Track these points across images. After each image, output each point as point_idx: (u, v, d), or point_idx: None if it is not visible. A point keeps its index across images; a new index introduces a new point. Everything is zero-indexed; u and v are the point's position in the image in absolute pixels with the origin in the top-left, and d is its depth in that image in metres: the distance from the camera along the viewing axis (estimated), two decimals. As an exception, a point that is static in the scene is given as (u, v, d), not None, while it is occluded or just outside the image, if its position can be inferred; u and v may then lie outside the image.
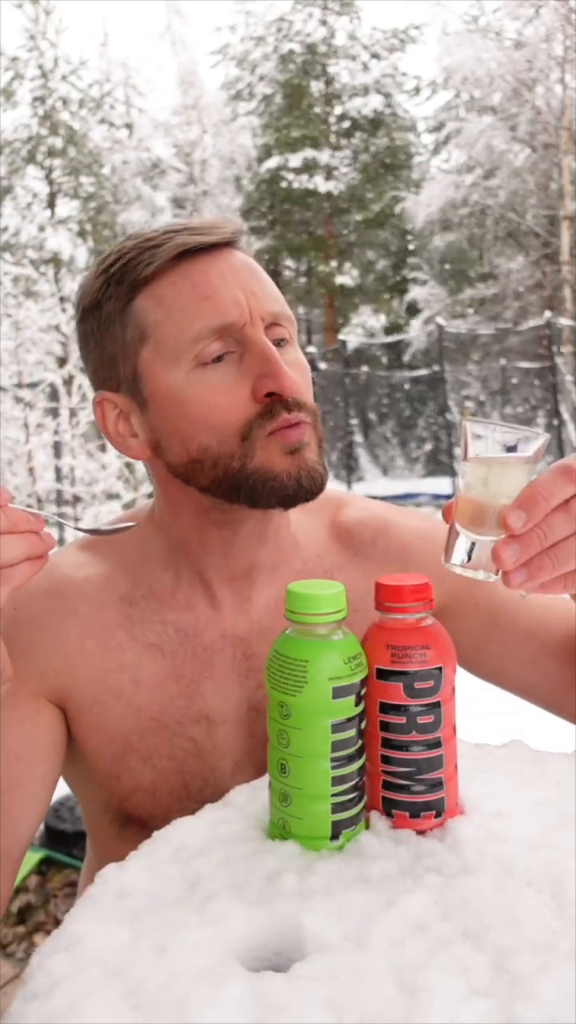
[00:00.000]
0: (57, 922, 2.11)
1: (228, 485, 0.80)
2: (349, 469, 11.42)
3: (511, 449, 0.62)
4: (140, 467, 5.29)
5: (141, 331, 0.80)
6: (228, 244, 0.82)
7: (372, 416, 12.52)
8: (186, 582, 0.89)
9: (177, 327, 0.79)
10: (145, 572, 0.89)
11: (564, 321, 13.17)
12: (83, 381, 5.12)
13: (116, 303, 0.81)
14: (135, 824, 0.87)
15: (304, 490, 0.80)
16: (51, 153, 18.58)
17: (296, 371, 0.81)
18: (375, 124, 21.70)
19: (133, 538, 0.91)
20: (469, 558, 0.64)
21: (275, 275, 22.36)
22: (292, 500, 0.80)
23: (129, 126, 20.11)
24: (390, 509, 0.99)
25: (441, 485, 10.47)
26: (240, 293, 0.79)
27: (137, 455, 0.86)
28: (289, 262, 21.90)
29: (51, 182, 18.85)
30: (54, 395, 5.15)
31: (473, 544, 0.64)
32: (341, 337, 14.11)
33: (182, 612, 0.88)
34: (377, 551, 0.93)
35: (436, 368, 11.66)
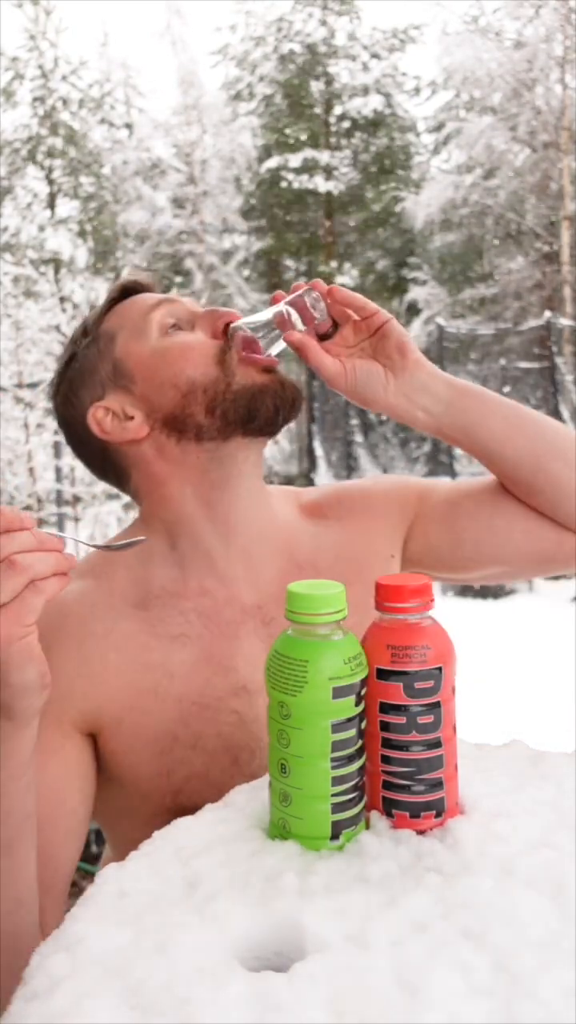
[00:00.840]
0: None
1: (221, 411, 0.90)
2: (349, 469, 11.41)
3: None
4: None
5: (110, 336, 0.96)
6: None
7: (372, 416, 12.51)
8: (194, 571, 0.93)
9: (132, 317, 0.95)
10: (153, 574, 0.92)
11: (564, 321, 13.16)
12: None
13: (85, 342, 0.97)
14: (186, 813, 0.87)
15: (285, 401, 0.91)
16: (51, 153, 18.57)
17: None
18: (375, 124, 21.67)
19: (133, 548, 0.92)
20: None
21: (275, 275, 22.29)
22: (274, 413, 0.91)
23: (129, 126, 20.11)
24: (334, 483, 1.12)
25: (441, 485, 10.47)
26: (174, 303, 0.97)
27: (137, 433, 0.93)
28: (289, 262, 21.89)
29: (51, 182, 18.84)
30: (54, 395, 5.15)
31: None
32: (341, 337, 14.05)
33: (198, 598, 0.92)
34: (344, 510, 1.04)
35: (436, 368, 11.64)
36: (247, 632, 0.93)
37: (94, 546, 0.80)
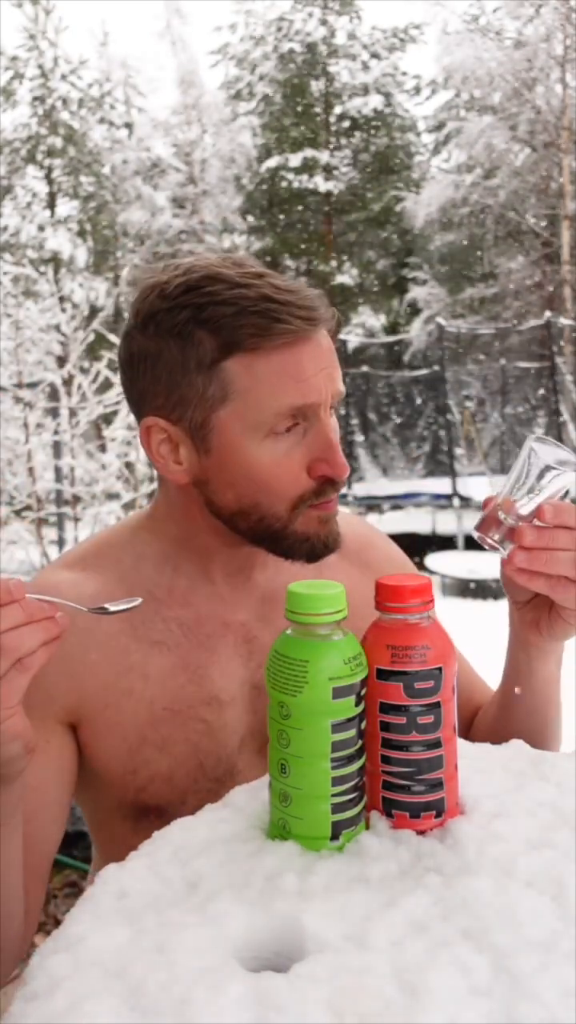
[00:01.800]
0: (57, 922, 2.11)
1: (264, 537, 0.88)
2: (349, 469, 11.40)
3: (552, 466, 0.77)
4: (140, 468, 5.29)
5: (225, 391, 0.83)
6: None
7: (372, 416, 12.50)
8: (185, 580, 0.93)
9: (262, 400, 0.82)
10: (141, 576, 0.92)
11: (564, 321, 13.16)
12: (83, 381, 5.12)
13: (202, 352, 0.83)
14: (152, 813, 0.90)
15: (330, 550, 0.89)
16: (51, 153, 18.57)
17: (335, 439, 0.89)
18: (375, 124, 21.67)
19: (125, 546, 0.95)
20: (498, 536, 0.78)
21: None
22: (317, 559, 0.90)
23: (129, 126, 20.10)
24: (365, 525, 1.12)
25: (441, 485, 10.45)
26: (323, 378, 0.84)
27: (175, 479, 0.89)
28: (289, 262, 21.88)
29: (51, 182, 18.85)
30: (54, 395, 5.14)
31: (505, 527, 0.78)
32: (341, 337, 14.05)
33: (180, 608, 0.92)
34: (362, 560, 1.03)
35: (436, 368, 11.65)
36: (226, 645, 0.93)
37: (90, 610, 0.76)
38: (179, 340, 0.83)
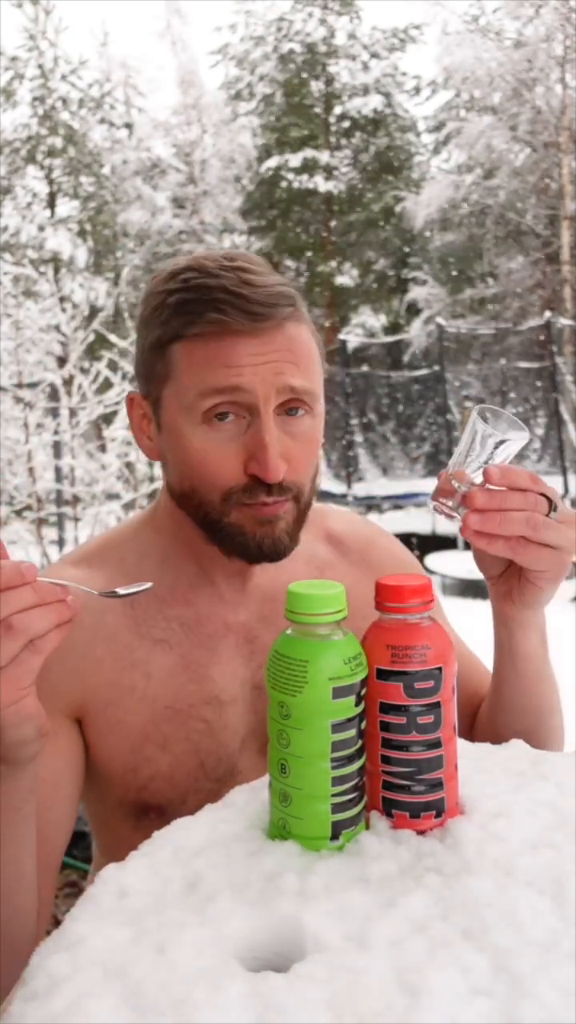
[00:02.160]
0: (57, 922, 2.11)
1: (206, 526, 0.88)
2: (349, 469, 11.41)
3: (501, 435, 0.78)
4: (140, 467, 5.29)
5: (168, 371, 0.87)
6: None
7: (372, 416, 12.50)
8: (186, 579, 0.94)
9: (191, 381, 0.84)
10: (144, 574, 0.92)
11: (564, 321, 13.17)
12: (83, 381, 5.12)
13: (161, 336, 0.87)
14: (153, 812, 0.91)
15: (265, 556, 0.87)
16: (51, 153, 18.57)
17: (297, 445, 0.86)
18: (375, 124, 21.67)
19: (129, 543, 0.96)
20: (452, 503, 0.79)
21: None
22: (254, 560, 0.88)
23: (129, 126, 20.11)
24: (367, 523, 1.12)
25: (441, 485, 10.44)
26: (261, 370, 0.83)
27: (149, 454, 0.94)
28: (289, 262, 21.88)
29: (51, 182, 18.85)
30: (54, 395, 5.14)
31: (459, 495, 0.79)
32: (341, 337, 14.09)
33: (182, 608, 0.93)
34: (364, 559, 1.03)
35: (436, 368, 11.65)
36: (227, 646, 0.94)
37: (101, 593, 0.77)
38: (152, 321, 0.88)
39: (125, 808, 0.92)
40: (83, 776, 0.91)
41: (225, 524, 0.86)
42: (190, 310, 0.84)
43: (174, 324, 0.85)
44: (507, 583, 0.86)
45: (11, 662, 0.65)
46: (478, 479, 0.78)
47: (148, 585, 0.78)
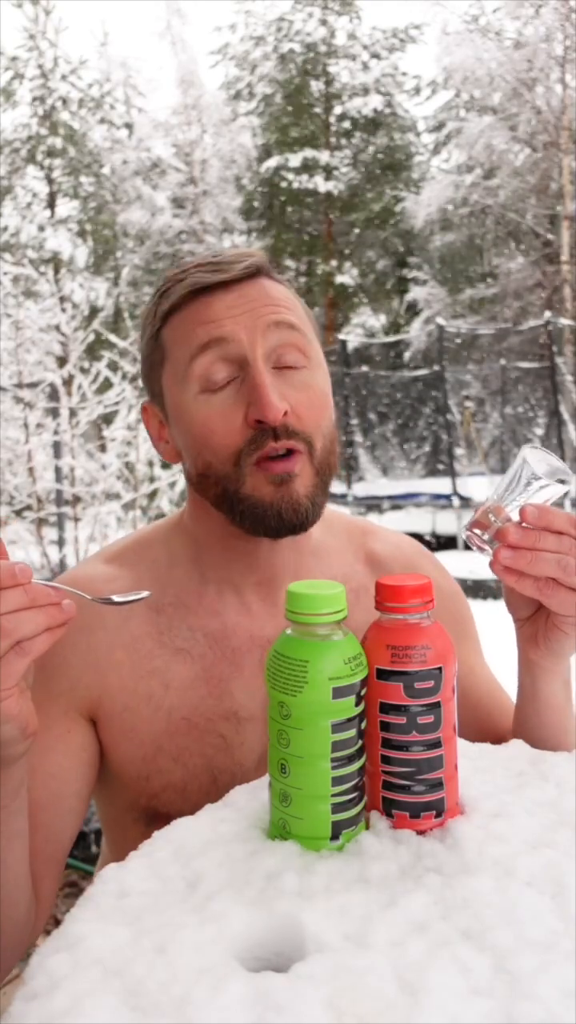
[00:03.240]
0: (57, 922, 2.11)
1: (227, 505, 0.86)
2: (349, 469, 11.41)
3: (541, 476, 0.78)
4: (140, 467, 5.30)
5: (162, 354, 0.89)
6: (247, 277, 0.87)
7: (372, 416, 12.51)
8: (213, 588, 0.92)
9: (181, 349, 0.86)
10: (173, 580, 0.92)
11: (564, 321, 13.17)
12: (83, 381, 5.12)
13: (153, 330, 0.90)
14: (162, 820, 0.89)
15: (286, 523, 0.84)
16: (51, 153, 18.57)
17: (300, 394, 0.85)
18: (375, 124, 21.68)
19: (162, 546, 0.95)
20: (486, 536, 0.78)
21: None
22: (275, 532, 0.85)
23: (129, 126, 20.11)
24: (414, 547, 1.06)
25: (441, 485, 10.45)
26: (242, 319, 0.84)
27: (170, 459, 0.94)
28: (289, 262, 21.88)
29: (51, 182, 18.85)
30: (54, 395, 5.14)
31: (493, 528, 0.78)
32: (341, 337, 14.10)
33: (209, 618, 0.92)
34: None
35: (436, 368, 11.65)
36: (251, 661, 0.91)
37: (94, 599, 0.76)
38: (148, 324, 0.92)
39: (136, 812, 0.92)
40: (95, 775, 0.90)
41: (243, 495, 0.84)
42: (170, 291, 0.88)
43: (159, 310, 0.89)
44: (533, 626, 0.84)
45: None
46: (515, 516, 0.77)
47: (145, 594, 0.77)
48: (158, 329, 0.89)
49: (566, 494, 0.79)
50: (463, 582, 7.66)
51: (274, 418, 0.82)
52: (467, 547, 9.29)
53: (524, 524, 0.75)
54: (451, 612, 0.98)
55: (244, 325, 0.84)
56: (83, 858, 2.43)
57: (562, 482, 0.76)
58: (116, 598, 0.76)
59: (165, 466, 5.44)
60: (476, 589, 7.42)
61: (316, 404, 0.87)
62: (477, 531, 0.78)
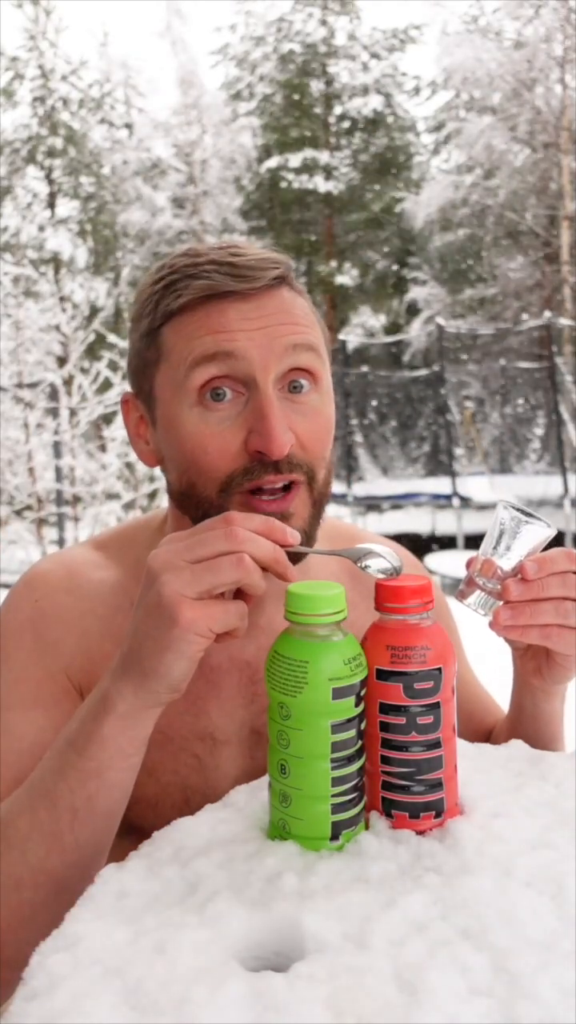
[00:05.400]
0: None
1: None
2: (349, 469, 11.41)
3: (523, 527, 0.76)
4: (140, 467, 5.29)
5: (159, 353, 0.82)
6: (268, 288, 0.80)
7: (372, 416, 12.50)
8: None
9: (182, 353, 0.79)
10: None
11: (564, 321, 13.16)
12: (83, 381, 5.13)
13: (151, 323, 0.82)
14: (136, 833, 0.87)
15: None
16: (51, 153, 18.58)
17: (308, 422, 0.80)
18: (375, 124, 21.69)
19: (144, 549, 0.89)
20: (479, 599, 0.76)
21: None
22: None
23: (129, 126, 20.11)
24: (404, 557, 1.01)
25: (441, 485, 10.45)
26: (256, 336, 0.77)
27: (146, 461, 0.88)
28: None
29: (51, 182, 18.85)
30: (54, 395, 5.15)
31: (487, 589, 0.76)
32: (341, 337, 14.10)
33: None
34: None
35: (436, 368, 11.65)
36: (229, 682, 0.88)
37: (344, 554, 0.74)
38: (142, 312, 0.84)
39: None
40: None
41: None
42: (178, 286, 0.80)
43: (163, 305, 0.81)
44: (535, 660, 0.83)
45: (210, 599, 0.66)
46: (507, 565, 0.75)
47: None
48: (159, 326, 0.82)
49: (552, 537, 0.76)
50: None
51: (279, 453, 0.76)
52: (467, 547, 9.29)
53: (525, 578, 0.73)
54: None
55: (258, 343, 0.77)
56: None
57: (542, 527, 0.75)
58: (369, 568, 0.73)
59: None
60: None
61: (322, 433, 0.81)
62: (469, 595, 0.76)
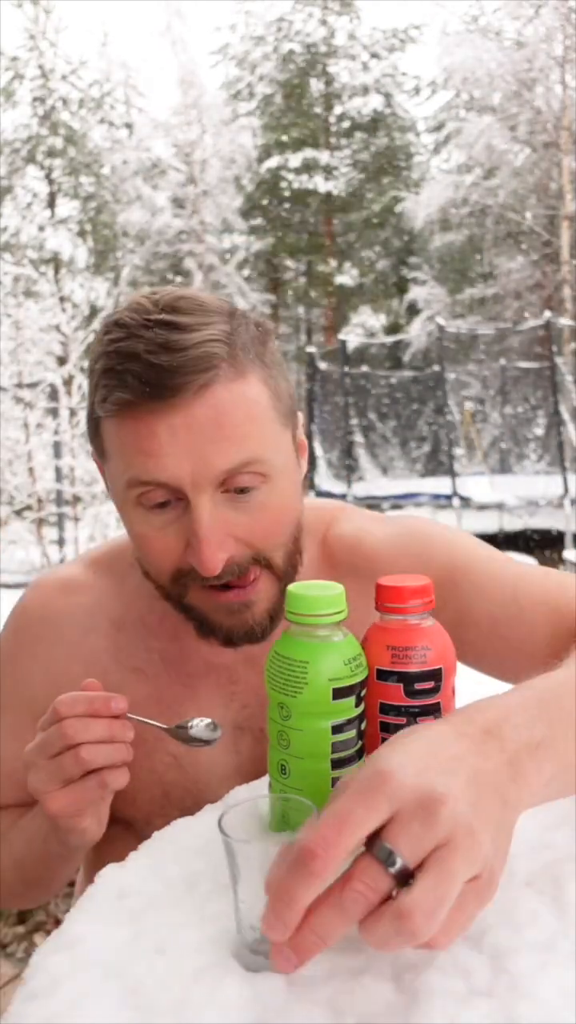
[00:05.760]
0: (57, 922, 2.11)
1: (172, 604, 0.83)
2: (349, 469, 11.41)
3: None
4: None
5: (102, 447, 0.80)
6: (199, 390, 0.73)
7: (372, 416, 12.49)
8: (174, 612, 0.87)
9: (118, 469, 0.77)
10: (139, 598, 0.90)
11: (564, 321, 13.16)
12: (83, 381, 5.13)
13: (91, 409, 0.79)
14: (120, 824, 0.89)
15: (239, 643, 0.82)
16: (51, 153, 18.57)
17: (251, 520, 0.77)
18: (375, 124, 21.68)
19: (132, 564, 0.90)
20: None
21: (275, 275, 22.24)
22: (233, 644, 0.83)
23: (129, 126, 20.10)
24: (374, 520, 0.97)
25: (441, 485, 10.45)
26: (186, 455, 0.73)
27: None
28: (289, 262, 21.88)
29: (51, 182, 18.85)
30: (54, 395, 5.15)
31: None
32: (341, 337, 14.10)
33: (168, 641, 0.90)
34: (348, 566, 0.91)
35: (436, 368, 11.64)
36: (206, 685, 0.90)
37: (174, 733, 0.76)
38: (90, 384, 0.80)
39: None
40: None
41: (188, 605, 0.81)
42: (107, 383, 0.75)
43: (98, 398, 0.77)
44: None
45: (70, 785, 0.70)
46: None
47: (218, 735, 0.77)
48: (98, 417, 0.78)
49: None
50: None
51: (209, 573, 0.75)
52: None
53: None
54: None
55: (189, 468, 0.73)
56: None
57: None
58: (192, 731, 0.77)
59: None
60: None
61: (272, 526, 0.79)
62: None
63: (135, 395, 0.72)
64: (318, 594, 0.64)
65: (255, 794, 0.74)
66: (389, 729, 0.65)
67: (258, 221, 21.45)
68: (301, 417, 0.88)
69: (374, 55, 21.78)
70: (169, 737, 0.78)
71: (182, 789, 0.89)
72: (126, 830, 0.89)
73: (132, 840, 0.73)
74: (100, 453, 0.81)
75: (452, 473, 10.15)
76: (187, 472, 0.73)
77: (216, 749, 0.87)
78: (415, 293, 20.56)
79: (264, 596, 0.80)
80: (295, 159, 20.49)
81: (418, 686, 0.65)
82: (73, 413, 5.12)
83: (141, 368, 0.72)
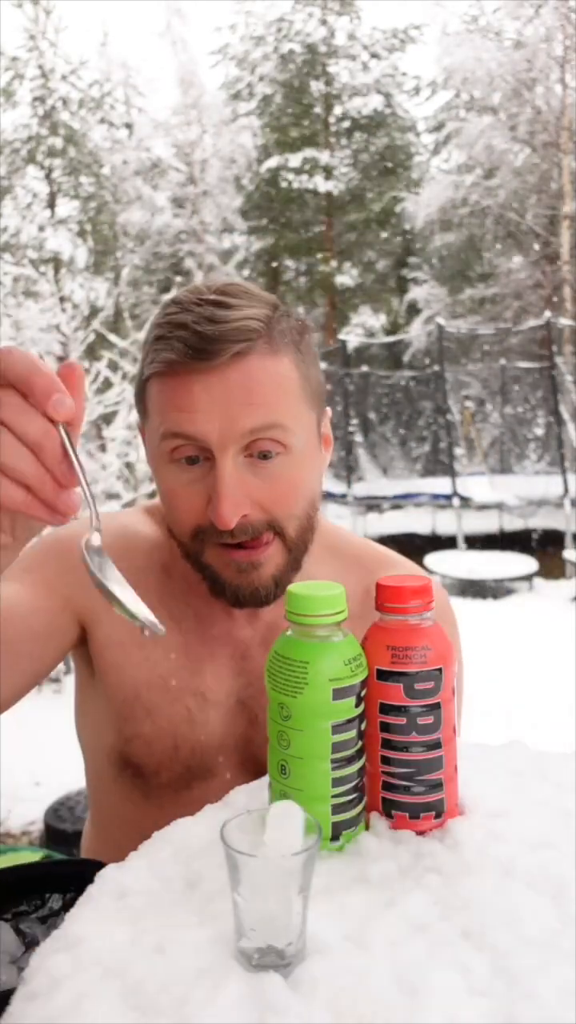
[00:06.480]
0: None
1: (190, 561, 0.89)
2: (349, 469, 11.41)
3: None
4: (141, 467, 5.29)
5: (145, 407, 0.89)
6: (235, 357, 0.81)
7: (372, 416, 12.49)
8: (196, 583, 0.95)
9: (155, 424, 0.85)
10: (176, 563, 0.96)
11: (564, 321, 13.15)
12: (83, 381, 5.12)
13: (142, 372, 0.88)
14: (131, 769, 0.95)
15: (243, 603, 0.88)
16: (51, 153, 18.56)
17: (267, 486, 0.83)
18: (375, 124, 21.67)
19: (137, 537, 1.00)
20: None
21: (275, 275, 22.26)
22: (235, 605, 0.89)
23: (129, 126, 20.10)
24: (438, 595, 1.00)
25: (441, 485, 10.44)
26: (216, 413, 0.80)
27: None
28: (289, 262, 21.87)
29: (51, 182, 18.84)
30: (54, 395, 5.14)
31: None
32: (341, 337, 14.10)
33: (203, 603, 0.95)
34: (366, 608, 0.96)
35: (436, 368, 11.64)
36: (224, 652, 0.96)
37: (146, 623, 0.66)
38: (144, 352, 0.89)
39: (113, 755, 0.96)
40: (51, 659, 0.93)
41: (204, 563, 0.87)
42: (156, 347, 0.84)
43: (147, 360, 0.86)
44: None
45: None
46: None
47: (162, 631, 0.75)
48: (146, 378, 0.87)
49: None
50: (464, 583, 7.65)
51: (223, 527, 0.81)
52: (467, 547, 9.28)
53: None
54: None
55: (217, 425, 0.80)
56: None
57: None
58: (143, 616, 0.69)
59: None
60: (477, 590, 7.42)
61: (287, 495, 0.84)
62: None
63: (179, 356, 0.81)
64: (318, 594, 0.64)
65: (253, 798, 0.74)
66: (389, 729, 0.66)
67: (258, 221, 21.44)
68: (329, 412, 0.94)
69: (374, 55, 21.77)
70: (188, 691, 0.92)
71: (189, 747, 0.94)
72: (135, 777, 0.94)
73: (138, 795, 0.90)
74: (143, 414, 0.89)
75: (452, 473, 10.15)
76: (215, 429, 0.80)
77: (220, 713, 0.95)
78: (415, 293, 20.55)
79: (273, 562, 0.86)
80: (295, 159, 20.48)
81: (418, 686, 0.65)
82: (73, 413, 5.11)
83: (187, 335, 0.81)
